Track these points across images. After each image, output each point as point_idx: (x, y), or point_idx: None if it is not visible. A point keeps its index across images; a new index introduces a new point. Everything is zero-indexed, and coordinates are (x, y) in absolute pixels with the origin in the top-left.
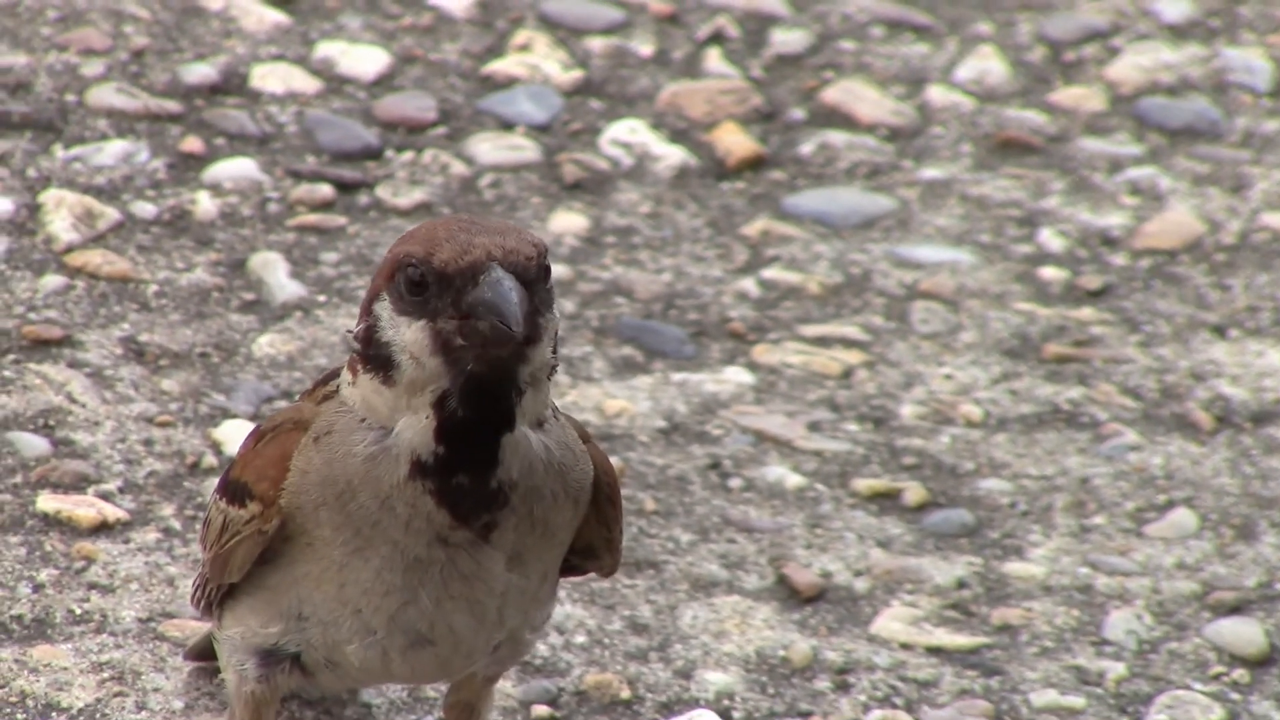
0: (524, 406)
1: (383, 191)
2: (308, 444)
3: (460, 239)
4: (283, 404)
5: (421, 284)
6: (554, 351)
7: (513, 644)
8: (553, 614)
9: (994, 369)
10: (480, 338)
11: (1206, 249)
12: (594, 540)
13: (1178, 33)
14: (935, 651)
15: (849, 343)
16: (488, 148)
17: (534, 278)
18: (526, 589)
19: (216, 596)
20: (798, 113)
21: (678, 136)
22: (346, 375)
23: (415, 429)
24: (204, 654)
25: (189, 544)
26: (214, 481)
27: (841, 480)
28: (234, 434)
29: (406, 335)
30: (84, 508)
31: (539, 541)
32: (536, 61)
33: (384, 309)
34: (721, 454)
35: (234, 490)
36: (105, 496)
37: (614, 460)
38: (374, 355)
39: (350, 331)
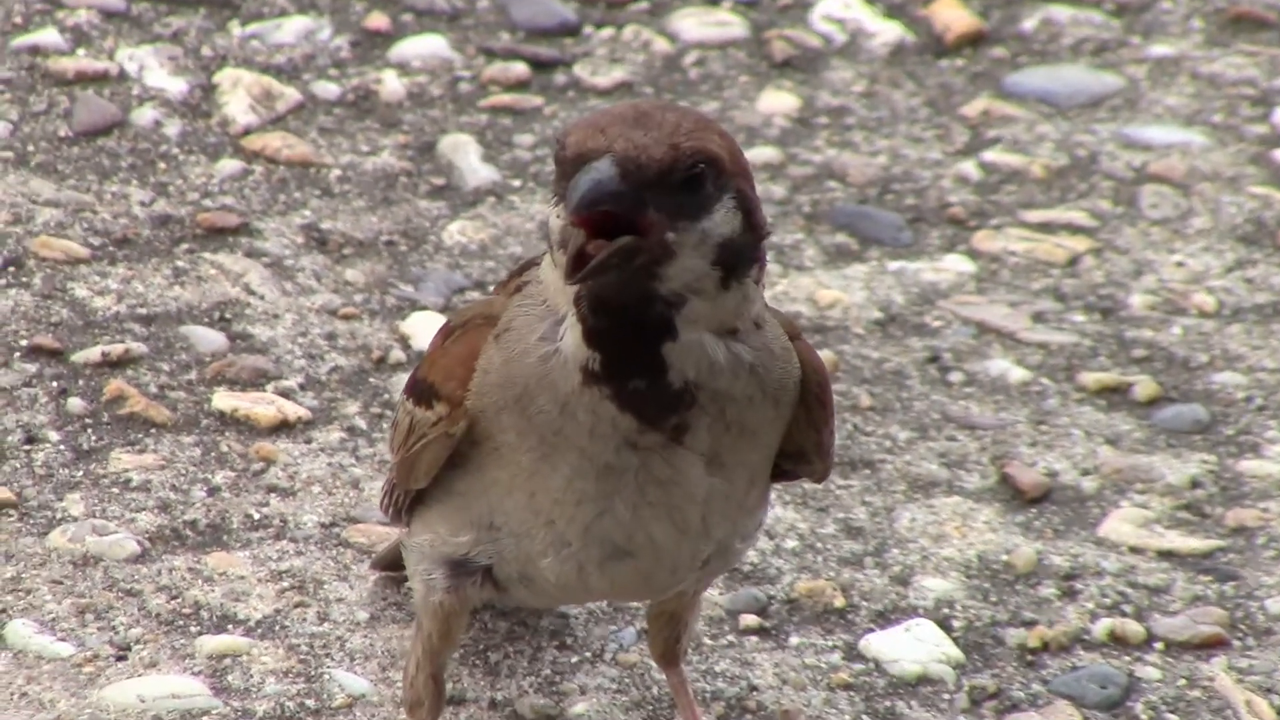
0: (689, 315)
1: (581, 70)
2: (491, 341)
3: (600, 125)
4: (475, 295)
5: (561, 166)
6: (722, 264)
7: (722, 555)
8: (764, 521)
9: (1228, 256)
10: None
11: None
12: (803, 443)
13: None
14: (1166, 555)
15: (1075, 229)
16: (692, 23)
17: (653, 180)
18: (731, 494)
19: (405, 502)
20: None
21: (893, 11)
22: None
23: (571, 327)
24: (392, 564)
25: (374, 444)
26: (401, 378)
27: (1067, 374)
28: (422, 327)
29: (551, 218)
30: (263, 406)
31: (738, 442)
32: None
33: (553, 186)
34: (941, 346)
35: (421, 390)
36: (285, 394)
37: (826, 354)
38: (546, 230)
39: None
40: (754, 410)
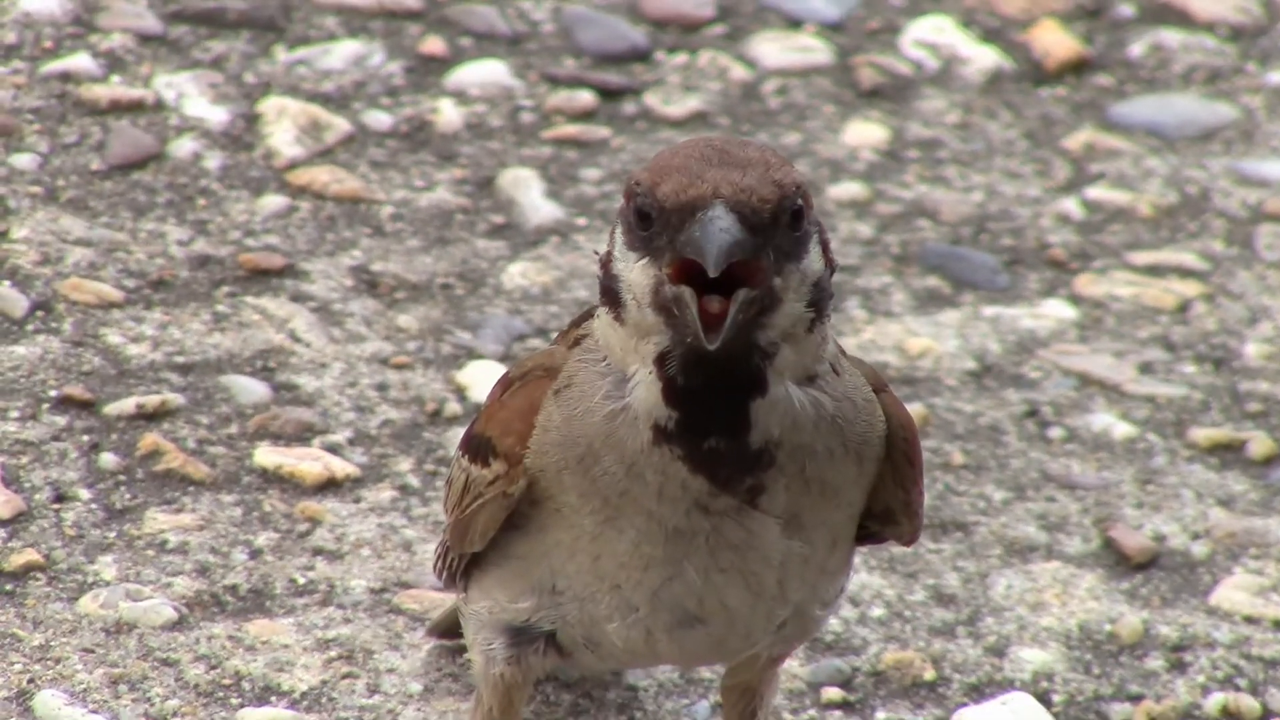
0: (779, 366)
1: (652, 99)
2: (550, 397)
3: (692, 169)
4: (537, 344)
5: (647, 217)
6: (814, 304)
7: (800, 621)
8: (847, 587)
9: None
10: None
11: None
12: (890, 503)
13: None
14: None
15: (1185, 272)
16: (772, 49)
17: (768, 223)
18: (811, 558)
19: (459, 566)
20: (1126, 8)
21: (990, 36)
22: (600, 307)
23: (646, 385)
24: (448, 630)
25: (429, 503)
26: (457, 432)
27: (1177, 430)
28: (480, 377)
29: (632, 273)
30: (308, 462)
31: (818, 503)
32: None
33: (618, 236)
34: (1040, 399)
35: (477, 446)
36: (333, 449)
37: (916, 408)
38: (608, 286)
39: (597, 253)
40: (835, 466)
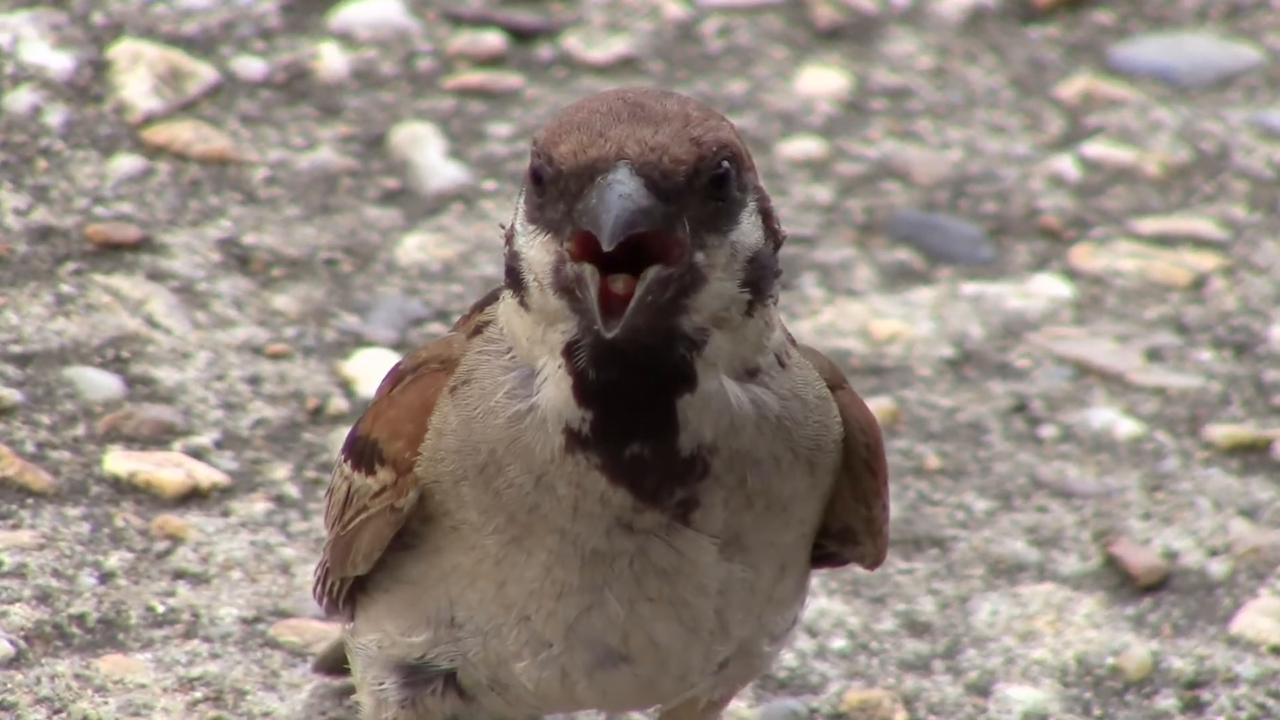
0: (710, 357)
1: (572, 41)
2: (446, 395)
3: (595, 126)
4: (437, 330)
5: (544, 183)
6: (751, 284)
7: (745, 659)
8: (802, 616)
9: None
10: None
11: None
12: (850, 519)
13: None
14: None
15: (1200, 241)
16: None
17: (682, 187)
18: (756, 584)
19: (342, 592)
20: None
21: None
22: (504, 290)
23: (555, 381)
24: (334, 667)
25: (310, 517)
26: (343, 433)
27: (1191, 427)
28: (370, 368)
29: (533, 250)
30: (168, 469)
31: (763, 520)
32: None
33: (521, 208)
34: (1029, 392)
35: (361, 450)
36: (197, 454)
37: (884, 403)
38: (511, 265)
39: (503, 226)
40: (783, 477)
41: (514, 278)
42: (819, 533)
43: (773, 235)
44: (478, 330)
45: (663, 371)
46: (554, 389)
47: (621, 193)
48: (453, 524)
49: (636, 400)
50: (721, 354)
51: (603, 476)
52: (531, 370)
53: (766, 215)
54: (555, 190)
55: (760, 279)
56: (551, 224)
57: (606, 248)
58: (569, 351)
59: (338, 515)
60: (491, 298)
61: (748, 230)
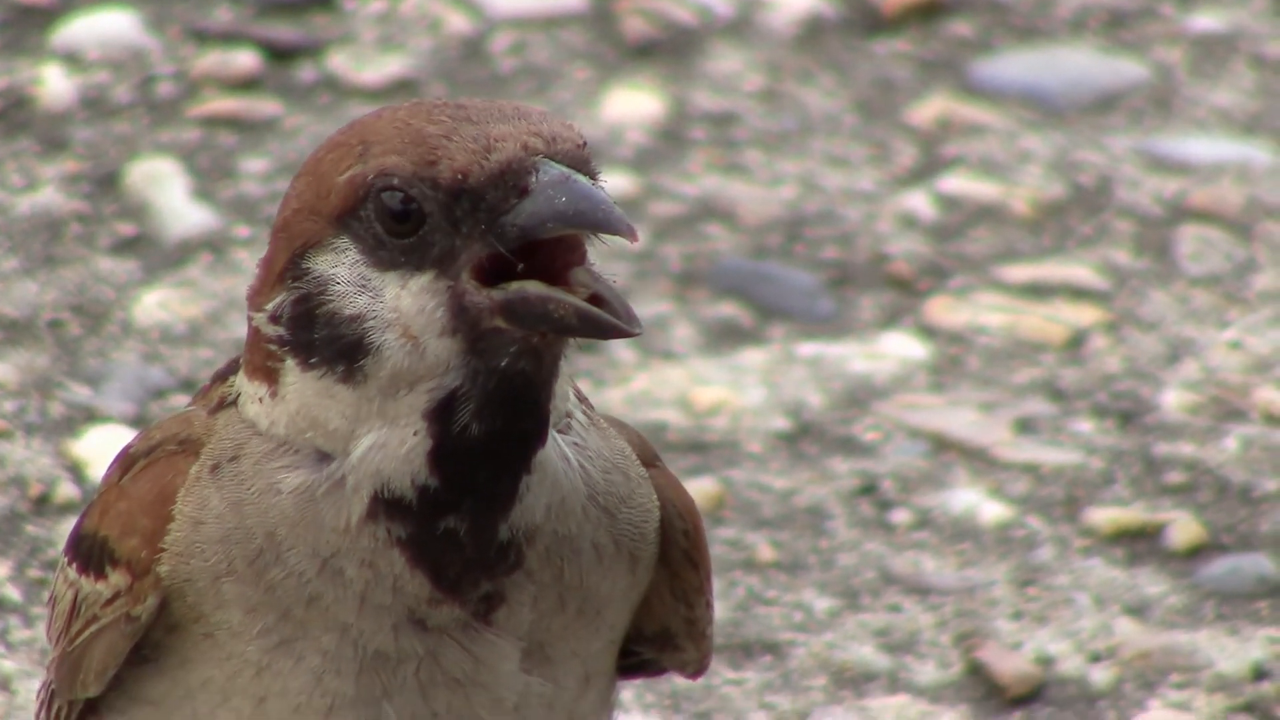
0: (557, 394)
1: (338, 61)
2: (201, 477)
3: (467, 130)
4: (182, 402)
5: (414, 215)
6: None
7: None
8: None
9: None
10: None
11: None
12: (668, 621)
13: None
14: None
15: (1078, 292)
16: None
17: (595, 176)
18: (556, 700)
19: (70, 717)
20: None
21: None
22: (246, 382)
23: (391, 450)
24: None
25: (34, 624)
26: (69, 527)
27: (1069, 511)
28: (104, 448)
29: (402, 302)
30: None
31: (573, 624)
32: None
33: (339, 264)
34: (879, 471)
35: (89, 550)
36: None
37: (706, 485)
38: (321, 341)
39: (263, 310)
40: (602, 572)
41: (333, 351)
42: (633, 638)
43: None
44: (221, 404)
45: (538, 415)
46: (387, 457)
47: (575, 178)
48: (205, 630)
49: (499, 459)
50: (557, 393)
51: (402, 556)
52: (325, 456)
53: None
54: (443, 217)
55: None
56: (433, 261)
57: (606, 232)
58: (439, 411)
59: (64, 627)
60: (233, 366)
61: None
